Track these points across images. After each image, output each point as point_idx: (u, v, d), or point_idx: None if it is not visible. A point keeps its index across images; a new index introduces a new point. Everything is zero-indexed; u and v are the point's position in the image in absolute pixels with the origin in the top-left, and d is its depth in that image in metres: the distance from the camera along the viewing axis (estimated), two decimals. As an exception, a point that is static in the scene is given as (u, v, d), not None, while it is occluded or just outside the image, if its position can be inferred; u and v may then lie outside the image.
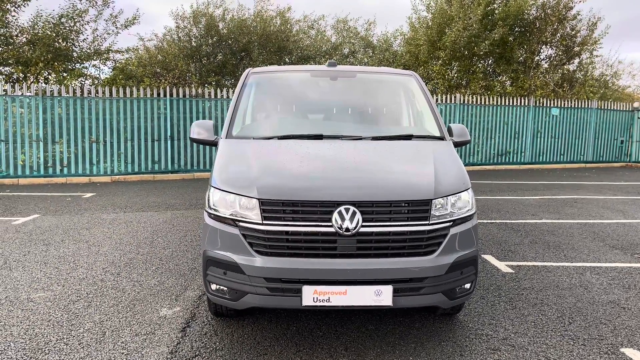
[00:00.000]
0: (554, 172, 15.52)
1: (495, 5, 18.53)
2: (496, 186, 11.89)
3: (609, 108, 17.92)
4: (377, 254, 3.12)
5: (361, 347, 3.48)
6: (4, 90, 12.02)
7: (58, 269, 5.17)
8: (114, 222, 7.44)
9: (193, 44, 17.77)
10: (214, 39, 17.85)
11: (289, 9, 19.25)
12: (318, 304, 3.05)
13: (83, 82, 16.30)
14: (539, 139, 17.03)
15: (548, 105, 17.08)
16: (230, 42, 17.91)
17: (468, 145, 16.12)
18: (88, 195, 10.16)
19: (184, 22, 17.82)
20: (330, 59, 19.15)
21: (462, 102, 16.17)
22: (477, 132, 16.32)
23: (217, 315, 3.87)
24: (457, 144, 4.19)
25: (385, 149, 3.84)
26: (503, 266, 5.39)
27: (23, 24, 15.30)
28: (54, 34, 15.13)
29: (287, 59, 18.72)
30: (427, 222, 3.17)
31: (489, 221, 7.70)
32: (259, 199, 3.13)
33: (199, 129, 4.16)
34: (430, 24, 19.25)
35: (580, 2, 18.60)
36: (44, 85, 13.18)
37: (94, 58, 16.66)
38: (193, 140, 4.17)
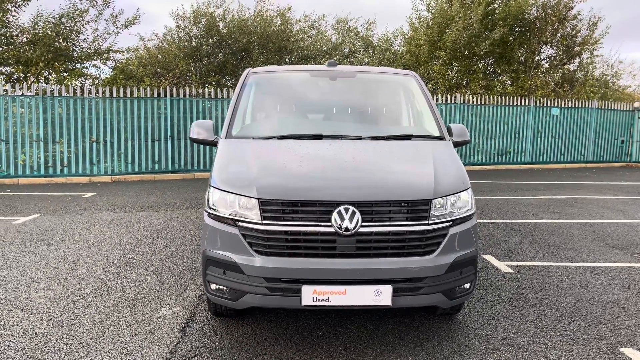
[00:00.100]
0: (554, 172, 15.52)
1: (495, 5, 18.52)
2: (496, 186, 11.89)
3: (609, 108, 17.92)
4: (376, 254, 3.12)
5: (360, 346, 3.48)
6: (4, 90, 12.02)
7: (58, 268, 5.17)
8: (114, 222, 7.45)
9: (193, 43, 17.78)
10: (215, 39, 17.86)
11: (289, 8, 19.26)
12: (317, 303, 3.05)
13: (83, 82, 16.31)
14: (539, 139, 17.03)
15: (548, 105, 17.08)
16: (230, 42, 17.92)
17: (468, 145, 16.19)
18: (88, 195, 10.17)
19: (185, 22, 17.84)
20: (331, 59, 19.17)
21: (462, 102, 16.17)
22: (477, 132, 16.32)
23: (217, 315, 3.87)
24: (456, 144, 4.19)
25: (384, 149, 3.84)
26: (503, 266, 5.39)
27: (23, 23, 15.34)
28: (55, 34, 15.14)
29: (287, 59, 18.72)
30: (427, 222, 3.17)
31: (489, 221, 7.70)
32: (258, 199, 3.14)
33: (198, 129, 4.16)
34: (430, 23, 19.25)
35: (580, 2, 18.60)
36: (44, 85, 13.21)
37: (95, 58, 16.68)
38: (193, 140, 4.17)
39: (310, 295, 3.05)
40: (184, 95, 13.57)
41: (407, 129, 4.54)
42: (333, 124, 4.49)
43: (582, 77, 20.68)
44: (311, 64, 18.31)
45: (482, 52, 18.16)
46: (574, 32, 19.32)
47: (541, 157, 17.13)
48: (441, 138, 4.12)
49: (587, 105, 17.54)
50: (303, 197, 3.13)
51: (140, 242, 6.30)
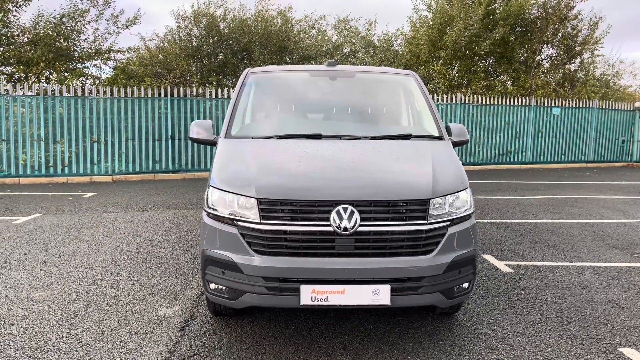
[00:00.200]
0: (555, 172, 15.51)
1: (496, 4, 18.51)
2: (497, 186, 11.89)
3: (610, 108, 17.90)
4: (375, 253, 3.13)
5: (359, 346, 3.49)
6: (5, 89, 12.04)
7: (58, 268, 5.18)
8: (115, 222, 7.46)
9: (194, 43, 17.80)
10: (215, 39, 17.88)
11: (290, 8, 19.28)
12: (316, 303, 3.06)
13: (84, 82, 16.34)
14: (540, 139, 17.02)
15: (549, 104, 17.07)
16: (231, 41, 17.93)
17: (469, 144, 16.19)
18: (89, 194, 10.18)
19: (185, 21, 17.86)
20: (331, 58, 19.19)
21: (463, 101, 16.16)
22: (478, 131, 16.32)
23: (216, 315, 3.88)
24: (455, 144, 4.19)
25: (383, 148, 3.85)
26: (502, 266, 5.39)
27: (24, 23, 15.35)
28: (55, 34, 15.16)
29: (288, 59, 18.73)
30: (425, 221, 3.18)
31: (489, 221, 7.70)
32: (257, 199, 3.14)
33: (198, 129, 4.17)
34: (431, 23, 19.24)
35: (581, 1, 18.63)
36: (45, 84, 13.23)
37: (95, 58, 16.70)
38: (192, 139, 4.18)
39: (308, 295, 3.06)
40: (185, 95, 13.58)
41: (406, 129, 4.54)
42: (332, 123, 4.50)
43: (582, 76, 20.66)
44: (312, 64, 18.31)
45: (482, 52, 18.15)
46: (574, 32, 19.30)
47: (542, 157, 17.12)
48: (440, 138, 4.13)
49: (587, 105, 17.53)
50: (302, 196, 3.14)
51: (141, 241, 6.31)
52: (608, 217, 8.09)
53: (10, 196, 9.87)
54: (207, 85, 17.02)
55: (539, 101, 17.10)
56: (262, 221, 3.11)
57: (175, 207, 8.78)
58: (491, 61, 19.89)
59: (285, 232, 3.10)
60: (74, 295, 4.39)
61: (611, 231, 7.11)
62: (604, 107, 17.79)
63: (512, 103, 16.66)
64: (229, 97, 13.88)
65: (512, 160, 16.81)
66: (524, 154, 16.92)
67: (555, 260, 5.63)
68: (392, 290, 3.09)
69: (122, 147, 13.02)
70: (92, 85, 15.29)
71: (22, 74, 15.20)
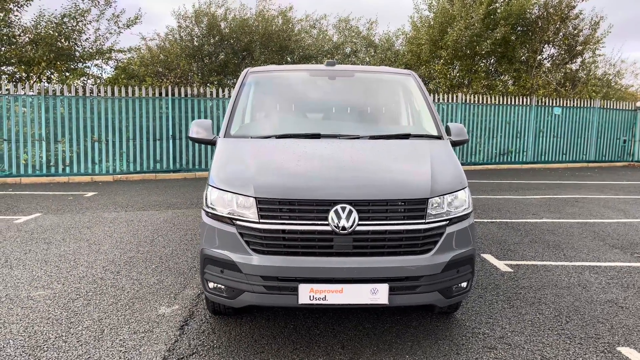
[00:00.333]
0: (556, 172, 15.50)
1: (497, 4, 18.49)
2: (497, 185, 11.88)
3: (611, 107, 17.87)
4: (373, 253, 3.13)
5: (358, 345, 3.49)
6: (6, 89, 12.06)
7: (58, 267, 5.20)
8: (115, 221, 7.48)
9: (195, 43, 17.81)
10: (216, 39, 17.89)
11: (291, 8, 19.28)
12: (314, 302, 3.07)
13: (85, 82, 16.36)
14: (541, 139, 17.00)
15: (550, 104, 17.05)
16: (232, 41, 17.94)
17: (470, 144, 16.18)
18: (90, 194, 10.20)
19: (186, 21, 17.87)
20: (332, 58, 19.20)
21: (464, 101, 16.15)
22: (479, 131, 16.30)
23: (215, 314, 3.89)
24: (455, 143, 4.19)
25: (382, 148, 3.85)
26: (502, 265, 5.39)
27: (26, 23, 15.37)
28: (57, 34, 15.18)
29: (288, 59, 18.74)
30: (424, 220, 3.18)
31: (489, 220, 7.70)
32: (256, 198, 3.15)
33: (197, 128, 4.19)
34: (432, 23, 19.23)
35: (582, 1, 18.62)
36: (46, 84, 13.26)
37: (96, 57, 16.71)
38: (191, 139, 4.20)
39: (307, 294, 3.06)
40: (186, 95, 13.59)
41: (405, 128, 4.55)
42: (331, 123, 4.51)
43: (584, 76, 20.63)
44: (313, 64, 18.31)
45: (483, 52, 18.14)
46: (576, 32, 19.28)
47: (543, 157, 17.11)
48: (439, 137, 4.13)
49: (589, 105, 17.51)
50: (300, 196, 3.15)
51: (141, 241, 6.32)
52: (608, 217, 8.08)
53: (11, 196, 9.90)
54: (208, 85, 17.03)
55: (540, 101, 17.08)
56: (261, 220, 3.12)
57: (175, 206, 8.80)
58: (492, 61, 19.88)
59: (283, 231, 3.11)
60: (73, 294, 4.40)
61: (611, 231, 7.10)
62: (605, 106, 17.77)
63: (513, 103, 16.65)
64: (229, 96, 13.89)
65: (513, 160, 16.80)
66: (525, 153, 16.91)
67: (555, 260, 5.63)
68: (391, 289, 3.09)
69: (123, 146, 13.04)
70: (93, 85, 15.31)
71: (24, 74, 15.23)
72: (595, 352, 3.43)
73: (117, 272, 5.06)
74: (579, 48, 19.53)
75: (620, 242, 6.46)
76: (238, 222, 3.17)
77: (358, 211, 3.10)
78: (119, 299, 4.32)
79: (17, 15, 15.02)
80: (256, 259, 3.10)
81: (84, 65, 16.84)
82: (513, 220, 7.72)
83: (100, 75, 17.65)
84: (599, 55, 20.54)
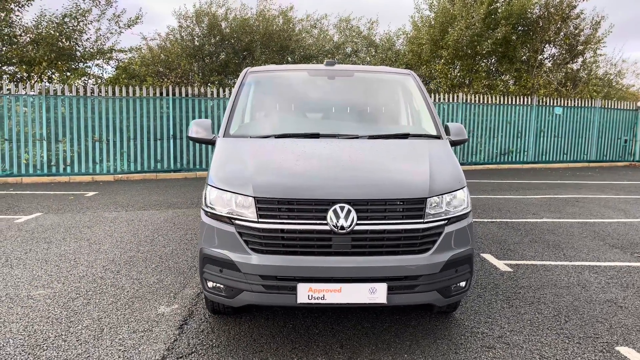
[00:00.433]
0: (556, 172, 15.49)
1: (498, 4, 18.48)
2: (498, 185, 11.88)
3: (612, 107, 17.85)
4: (371, 252, 3.14)
5: (356, 344, 3.50)
6: (7, 89, 12.09)
7: (58, 266, 5.21)
8: (116, 221, 7.49)
9: (196, 43, 17.82)
10: (217, 38, 17.90)
11: (292, 8, 19.29)
12: (313, 301, 3.07)
13: (86, 82, 16.39)
14: (542, 138, 16.99)
15: (551, 104, 17.03)
16: (232, 41, 17.95)
17: (471, 144, 16.18)
18: (91, 193, 10.22)
19: (187, 21, 17.89)
20: (333, 58, 19.19)
21: (464, 101, 16.14)
22: (479, 131, 16.29)
23: (215, 313, 3.90)
24: (454, 143, 4.19)
25: (381, 147, 3.86)
26: (502, 265, 5.39)
27: (27, 23, 15.40)
28: (58, 34, 15.21)
29: (289, 58, 18.74)
30: (422, 220, 3.19)
31: (490, 220, 7.70)
32: (254, 197, 3.16)
33: (197, 128, 4.19)
34: (432, 23, 19.22)
35: (583, 1, 18.55)
36: (47, 84, 13.28)
37: (97, 57, 16.74)
38: (191, 138, 4.21)
39: (305, 293, 3.07)
40: (187, 95, 13.61)
41: (404, 128, 4.55)
42: (330, 122, 4.51)
43: (585, 76, 20.61)
44: (313, 63, 18.31)
45: (484, 51, 18.12)
46: (577, 31, 19.25)
47: (544, 157, 17.09)
48: (438, 137, 4.13)
49: (590, 105, 17.49)
50: (299, 195, 3.15)
51: (141, 240, 6.33)
52: (609, 217, 8.07)
53: (12, 195, 9.92)
54: (208, 84, 17.05)
55: (541, 101, 17.07)
56: (260, 220, 3.13)
57: (176, 206, 8.81)
58: (493, 60, 19.86)
59: (282, 230, 3.11)
60: (73, 294, 4.41)
61: (611, 230, 7.10)
62: (606, 106, 17.75)
63: (514, 102, 16.63)
64: (230, 96, 13.88)
65: (513, 159, 16.78)
66: (525, 153, 16.90)
67: (554, 260, 5.63)
68: (389, 288, 3.10)
69: (124, 146, 13.06)
70: (94, 84, 15.35)
71: (25, 74, 15.26)
72: (593, 352, 3.43)
73: (117, 271, 5.07)
74: (580, 48, 19.50)
75: (620, 242, 6.46)
76: (237, 222, 3.18)
77: (357, 211, 3.10)
78: (118, 298, 4.33)
79: (18, 15, 15.08)
80: (255, 259, 3.10)
81: (85, 65, 16.88)
82: (513, 220, 7.72)
83: (101, 75, 17.72)
84: (600, 55, 20.54)
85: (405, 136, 4.11)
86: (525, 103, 16.74)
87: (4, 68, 15.41)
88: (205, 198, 3.41)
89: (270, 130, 4.17)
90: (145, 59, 17.50)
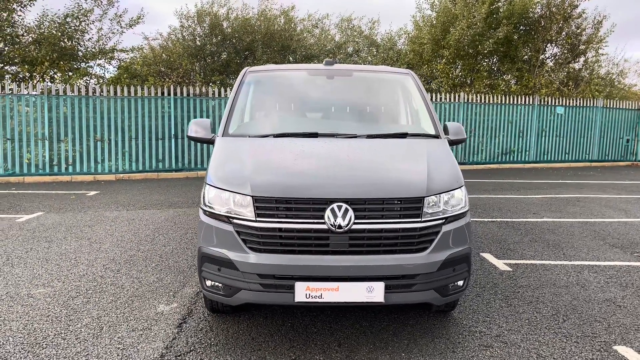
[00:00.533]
0: (558, 171, 15.46)
1: (499, 3, 18.44)
2: (499, 185, 11.87)
3: (614, 107, 17.82)
4: (369, 251, 3.15)
5: (354, 343, 3.51)
6: (10, 89, 12.14)
7: (59, 265, 5.23)
8: (117, 220, 7.51)
9: (197, 43, 17.85)
10: (218, 38, 17.92)
11: (293, 7, 19.29)
12: (310, 300, 3.08)
13: (88, 81, 16.43)
14: (543, 138, 16.96)
15: (553, 103, 17.01)
16: (234, 41, 17.97)
17: (473, 144, 16.18)
18: (92, 193, 10.25)
19: (189, 21, 17.91)
20: (334, 57, 19.19)
21: (466, 100, 16.13)
22: (481, 130, 16.28)
23: (213, 312, 3.91)
24: (452, 142, 4.20)
25: (379, 147, 3.86)
26: (501, 264, 5.40)
27: (29, 23, 15.46)
28: (60, 34, 15.26)
29: (291, 58, 18.75)
30: (420, 219, 3.20)
31: (490, 220, 7.70)
32: (252, 196, 3.17)
33: (196, 127, 4.21)
34: (434, 22, 19.20)
35: (585, 0, 18.50)
36: (49, 84, 13.30)
37: (99, 57, 16.79)
38: (190, 138, 4.22)
39: (303, 292, 3.08)
40: (188, 94, 13.64)
41: (403, 128, 4.56)
42: (329, 122, 4.52)
43: (587, 75, 20.56)
44: (315, 63, 18.31)
45: (486, 51, 18.10)
46: (578, 31, 19.21)
47: (545, 156, 17.07)
48: (436, 136, 4.14)
49: (592, 104, 17.46)
50: (297, 194, 3.16)
51: (142, 239, 6.35)
52: (610, 216, 8.07)
53: (14, 194, 9.95)
54: (210, 84, 17.07)
55: (542, 100, 17.04)
56: (258, 219, 3.14)
57: (177, 205, 8.83)
58: (494, 60, 19.83)
59: (280, 229, 3.13)
60: (73, 292, 4.43)
61: (612, 230, 7.09)
62: (608, 106, 17.72)
63: (515, 102, 16.61)
64: (231, 96, 13.90)
65: (515, 159, 16.77)
66: (527, 153, 16.88)
67: (554, 259, 5.63)
68: (386, 287, 3.11)
69: (126, 146, 13.09)
70: (96, 84, 15.39)
71: (27, 74, 15.31)
72: (591, 351, 3.43)
73: (117, 270, 5.09)
74: (582, 47, 19.46)
75: (620, 242, 6.45)
76: (235, 221, 3.20)
77: (354, 210, 3.11)
78: (118, 297, 4.35)
79: (20, 15, 15.12)
80: (253, 257, 3.12)
81: (87, 65, 16.94)
82: (513, 220, 7.71)
83: (103, 74, 17.75)
84: (602, 54, 20.48)
85: (403, 135, 4.12)
86: (527, 103, 16.72)
87: (6, 68, 15.46)
88: (203, 197, 3.42)
89: (269, 130, 4.18)
90: (146, 58, 17.53)
